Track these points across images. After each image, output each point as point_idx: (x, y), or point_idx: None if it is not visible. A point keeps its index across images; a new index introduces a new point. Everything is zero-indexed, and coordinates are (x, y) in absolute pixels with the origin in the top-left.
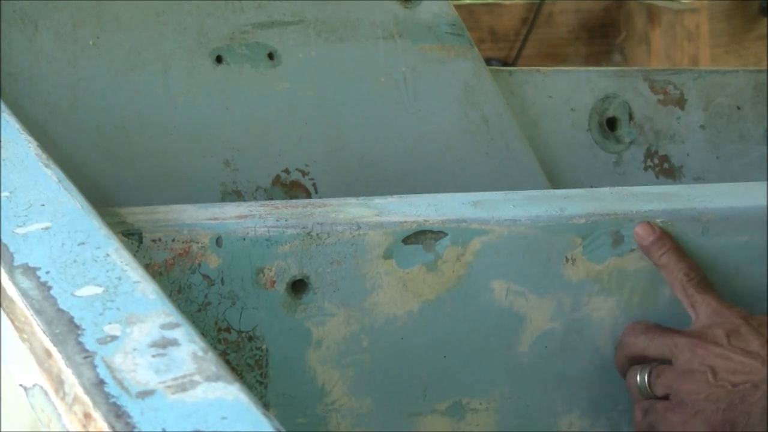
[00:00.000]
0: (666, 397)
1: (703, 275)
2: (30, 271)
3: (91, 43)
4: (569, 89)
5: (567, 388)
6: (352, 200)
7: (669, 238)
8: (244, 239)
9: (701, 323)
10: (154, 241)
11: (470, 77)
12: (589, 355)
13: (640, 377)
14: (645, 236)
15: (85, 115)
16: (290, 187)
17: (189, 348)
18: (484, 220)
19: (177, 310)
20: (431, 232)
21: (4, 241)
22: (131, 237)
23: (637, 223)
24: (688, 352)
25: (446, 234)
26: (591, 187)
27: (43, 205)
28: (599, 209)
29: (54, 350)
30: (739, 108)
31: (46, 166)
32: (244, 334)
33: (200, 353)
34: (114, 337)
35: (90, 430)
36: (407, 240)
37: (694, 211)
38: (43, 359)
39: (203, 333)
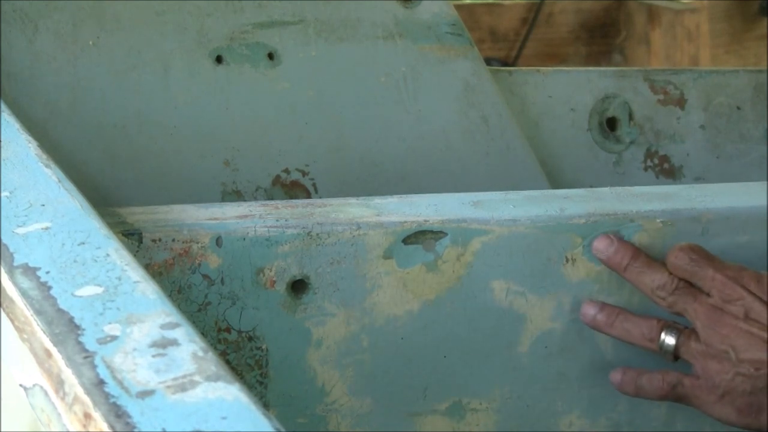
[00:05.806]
0: (688, 367)
1: (684, 273)
2: (30, 271)
3: (91, 43)
4: (569, 89)
5: (567, 388)
6: (352, 200)
7: (628, 251)
8: (244, 239)
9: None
10: (154, 241)
11: (470, 77)
12: (589, 355)
13: (669, 336)
14: (603, 250)
15: (85, 115)
16: (290, 187)
17: (189, 348)
18: (484, 220)
19: (177, 310)
20: (431, 232)
21: (4, 241)
22: (131, 237)
23: (595, 237)
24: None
25: (446, 234)
26: (591, 187)
27: (43, 205)
28: (599, 209)
29: (54, 350)
30: (739, 108)
31: (46, 166)
32: (244, 334)
33: (200, 353)
34: (114, 337)
35: (90, 430)
36: (407, 240)
37: (694, 211)
38: (43, 359)
39: (203, 333)
